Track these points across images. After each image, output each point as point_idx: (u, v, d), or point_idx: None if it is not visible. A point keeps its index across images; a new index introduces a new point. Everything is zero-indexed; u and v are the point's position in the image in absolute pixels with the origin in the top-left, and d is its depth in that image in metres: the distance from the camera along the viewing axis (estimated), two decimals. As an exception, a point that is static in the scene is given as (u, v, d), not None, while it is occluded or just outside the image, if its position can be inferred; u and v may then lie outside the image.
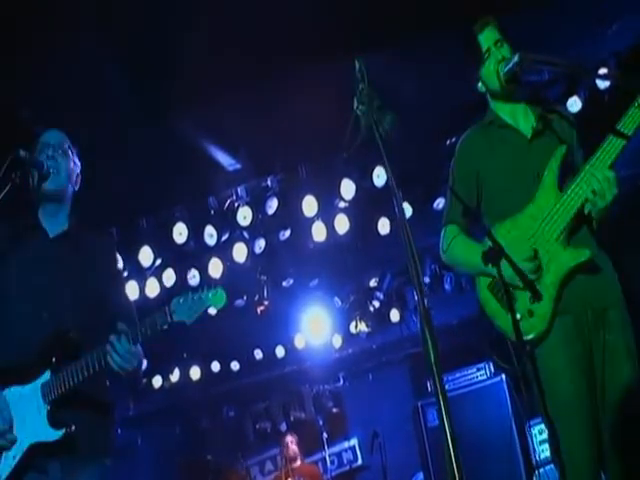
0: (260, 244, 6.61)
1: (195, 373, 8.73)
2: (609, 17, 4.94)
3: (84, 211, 3.06)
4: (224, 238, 6.42)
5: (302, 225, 6.39)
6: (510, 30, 3.05)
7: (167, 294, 6.65)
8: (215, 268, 6.56)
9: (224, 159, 5.79)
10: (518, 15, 3.02)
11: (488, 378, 6.50)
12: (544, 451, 5.68)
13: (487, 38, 3.02)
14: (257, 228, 6.43)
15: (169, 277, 6.58)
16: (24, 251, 2.90)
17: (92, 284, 2.90)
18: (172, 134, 5.19)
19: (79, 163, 3.08)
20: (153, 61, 4.45)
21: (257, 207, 6.23)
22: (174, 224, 6.22)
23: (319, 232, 6.32)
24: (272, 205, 6.21)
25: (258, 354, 8.80)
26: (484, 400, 6.36)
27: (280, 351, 8.75)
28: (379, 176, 5.93)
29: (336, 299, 8.26)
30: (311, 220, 6.28)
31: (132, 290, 6.34)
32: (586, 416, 2.74)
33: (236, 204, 6.25)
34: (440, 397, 1.86)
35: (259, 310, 7.43)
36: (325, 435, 7.64)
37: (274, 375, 9.20)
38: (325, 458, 7.62)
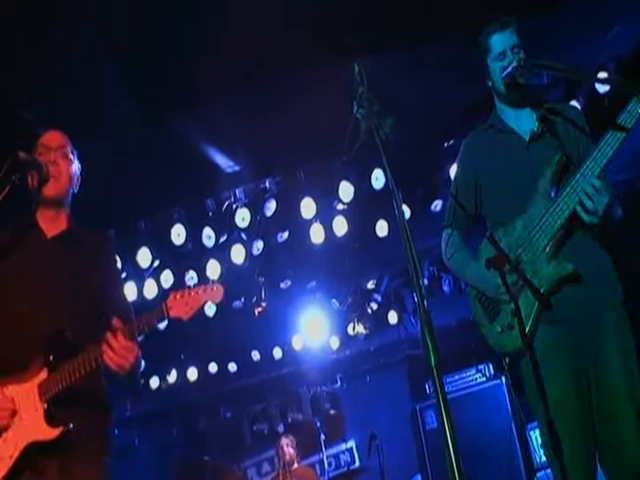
0: (258, 246, 6.61)
1: (192, 374, 8.74)
2: (609, 21, 4.94)
3: (83, 212, 3.06)
4: (222, 240, 6.42)
5: (300, 227, 6.40)
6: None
7: (165, 295, 6.65)
8: (213, 269, 6.56)
9: (222, 161, 5.79)
10: (517, 19, 3.00)
11: (487, 380, 6.49)
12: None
13: (506, 40, 2.95)
14: (255, 230, 6.43)
15: (167, 278, 6.59)
16: (22, 251, 2.90)
17: (90, 284, 2.89)
18: (170, 135, 5.19)
19: (79, 165, 3.08)
20: (152, 62, 4.44)
21: (255, 209, 6.23)
22: (172, 225, 6.23)
23: (317, 234, 6.32)
24: (270, 207, 6.21)
25: (255, 355, 8.80)
26: (483, 402, 6.34)
27: (278, 352, 8.75)
28: (377, 178, 5.93)
29: (334, 301, 8.26)
30: (309, 222, 6.29)
31: (130, 291, 6.35)
32: (576, 421, 2.72)
33: (234, 206, 6.26)
34: (441, 402, 1.86)
35: (257, 311, 7.43)
36: (323, 437, 7.62)
37: (271, 376, 9.20)
38: (323, 460, 7.60)
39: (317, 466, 8.29)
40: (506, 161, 3.01)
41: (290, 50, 4.48)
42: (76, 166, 3.05)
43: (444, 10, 4.31)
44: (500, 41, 2.96)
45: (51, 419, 2.66)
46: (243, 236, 6.51)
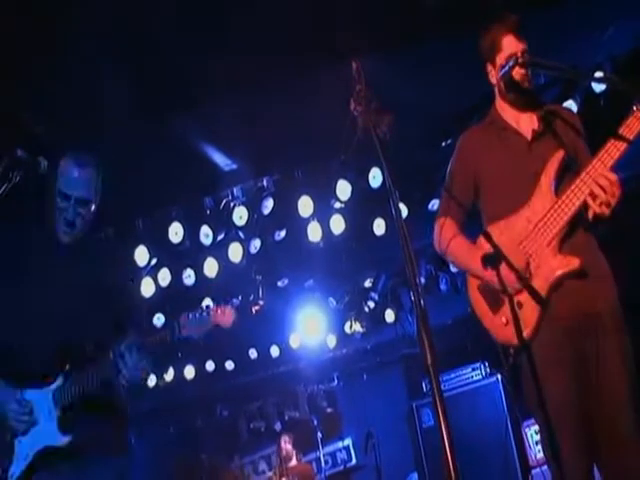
0: (256, 244, 6.62)
1: (189, 372, 8.74)
2: (605, 21, 4.95)
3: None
4: (220, 238, 6.42)
5: (298, 225, 6.40)
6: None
7: (162, 294, 6.66)
8: (210, 268, 6.57)
9: (220, 159, 5.79)
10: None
11: (483, 378, 6.51)
12: (540, 451, 5.69)
13: (517, 43, 2.96)
14: (253, 228, 6.43)
15: (164, 277, 6.60)
16: (39, 259, 2.94)
17: (106, 290, 2.93)
18: (168, 134, 5.19)
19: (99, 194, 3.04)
20: (151, 61, 4.45)
21: (253, 207, 6.23)
22: (170, 224, 6.23)
23: (315, 232, 6.33)
24: (268, 205, 6.21)
25: (253, 354, 8.80)
26: (479, 400, 6.37)
27: (275, 351, 8.76)
28: (375, 177, 5.94)
29: (331, 299, 8.27)
30: (307, 220, 6.29)
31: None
32: (576, 420, 2.71)
33: (232, 204, 6.26)
34: (437, 400, 1.87)
35: (254, 310, 7.40)
36: (319, 435, 7.64)
37: (269, 375, 9.22)
38: (319, 458, 7.62)
39: (314, 464, 8.31)
40: (508, 157, 3.00)
41: (289, 50, 4.49)
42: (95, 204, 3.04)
43: (442, 11, 4.32)
44: (514, 42, 2.96)
45: (63, 426, 2.75)
46: (241, 234, 6.51)
